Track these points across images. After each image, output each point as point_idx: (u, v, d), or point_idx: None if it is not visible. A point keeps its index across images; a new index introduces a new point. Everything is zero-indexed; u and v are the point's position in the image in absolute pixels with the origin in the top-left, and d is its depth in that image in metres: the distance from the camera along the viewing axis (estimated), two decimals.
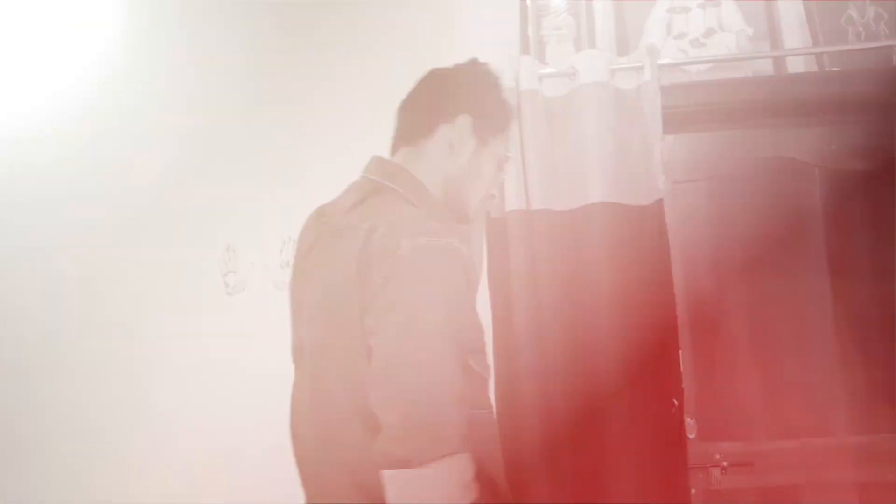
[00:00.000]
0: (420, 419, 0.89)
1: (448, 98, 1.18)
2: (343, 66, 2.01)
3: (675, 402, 1.73)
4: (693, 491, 1.75)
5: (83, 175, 2.01)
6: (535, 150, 1.81)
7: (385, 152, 1.99)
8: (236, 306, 1.95)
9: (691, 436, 1.86)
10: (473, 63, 1.23)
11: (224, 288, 1.96)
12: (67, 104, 2.03)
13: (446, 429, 0.89)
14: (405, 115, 1.24)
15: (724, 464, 1.88)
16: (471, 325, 1.01)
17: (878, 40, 1.89)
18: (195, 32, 2.04)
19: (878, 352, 1.95)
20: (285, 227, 1.97)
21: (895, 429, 1.93)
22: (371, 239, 0.98)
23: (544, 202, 1.81)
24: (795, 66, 1.94)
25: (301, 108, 2.01)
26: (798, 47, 1.95)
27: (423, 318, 0.93)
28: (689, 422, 1.87)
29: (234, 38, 2.04)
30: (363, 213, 1.06)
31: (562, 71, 1.87)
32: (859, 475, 1.90)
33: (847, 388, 1.94)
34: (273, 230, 1.97)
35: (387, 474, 0.88)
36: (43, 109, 2.03)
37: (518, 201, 1.79)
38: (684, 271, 1.97)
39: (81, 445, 1.93)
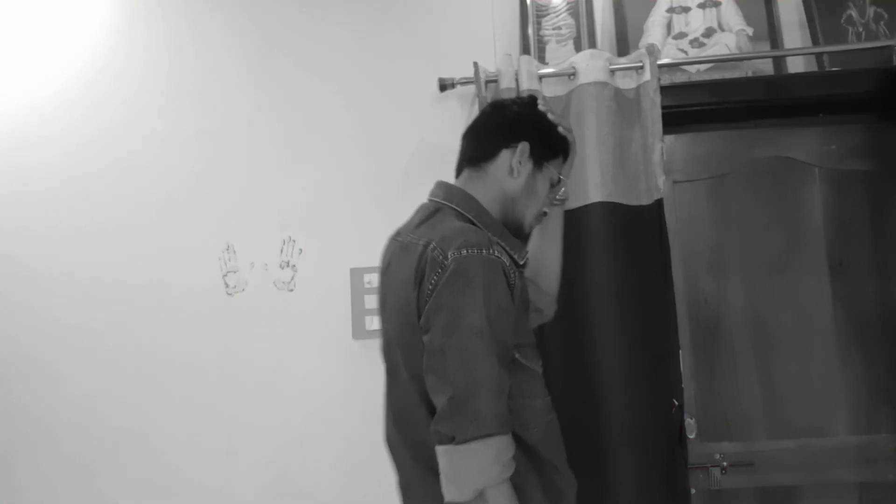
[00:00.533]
0: (461, 404, 1.06)
1: (510, 127, 1.34)
2: (343, 66, 2.01)
3: (675, 403, 1.73)
4: (693, 491, 1.75)
5: (83, 175, 2.01)
6: None
7: (381, 150, 2.01)
8: (236, 306, 1.95)
9: (691, 436, 1.86)
10: (532, 97, 1.43)
11: (224, 288, 1.96)
12: (67, 104, 2.03)
13: (484, 413, 1.06)
14: (470, 141, 1.38)
15: (724, 464, 1.88)
16: (512, 323, 1.15)
17: (878, 40, 1.89)
18: (195, 33, 2.04)
19: (878, 352, 1.95)
20: (285, 227, 1.97)
21: (895, 429, 1.93)
22: (426, 252, 1.17)
23: None
24: (795, 66, 1.94)
25: (301, 108, 2.01)
26: (798, 47, 1.95)
27: (463, 319, 1.10)
28: (690, 422, 1.87)
29: (234, 39, 2.04)
30: (423, 230, 1.24)
31: (562, 71, 1.87)
32: (859, 475, 1.90)
33: (847, 388, 1.94)
34: (273, 230, 1.97)
35: (438, 449, 1.09)
36: (43, 109, 2.03)
37: None
38: (684, 271, 1.97)
39: (81, 445, 1.93)
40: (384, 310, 1.32)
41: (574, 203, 1.83)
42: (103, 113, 2.02)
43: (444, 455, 1.08)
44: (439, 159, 1.96)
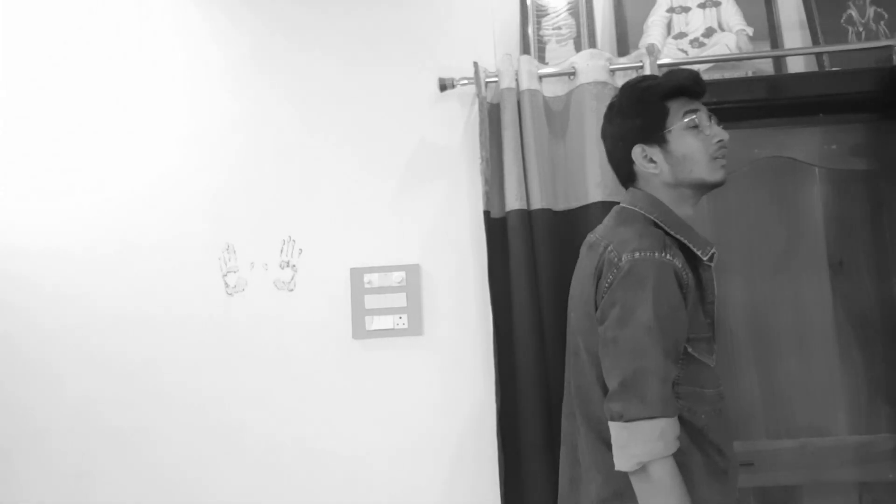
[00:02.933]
0: (630, 388, 1.20)
1: (612, 144, 1.43)
2: (343, 66, 2.01)
3: None
4: None
5: (83, 175, 2.01)
6: (535, 150, 1.81)
7: (382, 150, 2.01)
8: (236, 306, 1.95)
9: None
10: (614, 97, 1.47)
11: (224, 288, 1.96)
12: (66, 104, 2.03)
13: (649, 396, 1.19)
14: (612, 168, 1.46)
15: None
16: (683, 320, 1.25)
17: (878, 40, 1.89)
18: (194, 32, 2.04)
19: (878, 352, 1.95)
20: (285, 227, 1.97)
21: (895, 429, 1.93)
22: (605, 253, 1.30)
23: (544, 202, 1.81)
24: (795, 66, 1.94)
25: (301, 108, 2.01)
26: (798, 47, 1.95)
27: (633, 313, 1.22)
28: None
29: (234, 38, 2.04)
30: (608, 232, 1.36)
31: (562, 71, 1.87)
32: (859, 475, 1.90)
33: (847, 388, 1.95)
34: (273, 230, 1.97)
35: (611, 424, 1.23)
36: (41, 109, 2.04)
37: (518, 201, 1.79)
38: None
39: (81, 445, 1.93)
40: (571, 298, 1.44)
41: (574, 203, 1.84)
42: (102, 113, 2.02)
43: (615, 429, 1.22)
44: (439, 159, 1.97)
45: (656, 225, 1.33)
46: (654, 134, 1.35)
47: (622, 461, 1.21)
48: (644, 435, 1.18)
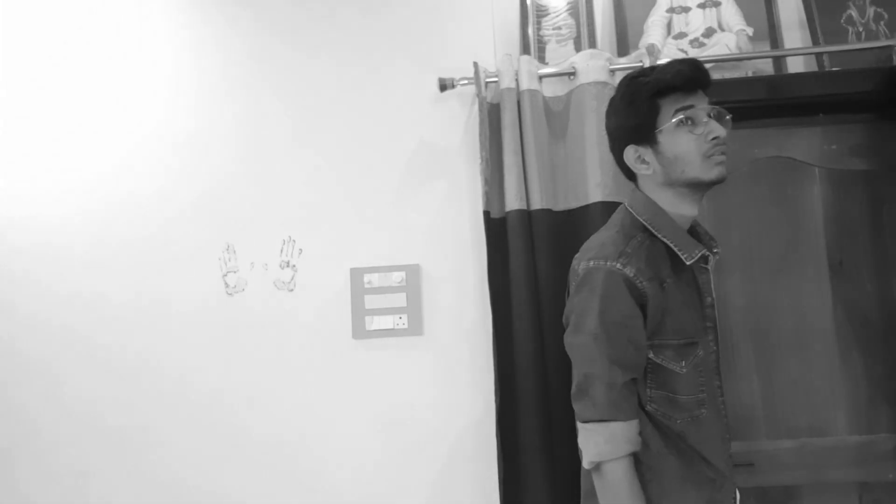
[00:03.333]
0: (582, 391, 1.27)
1: (612, 145, 1.41)
2: (343, 66, 2.01)
3: None
4: None
5: (83, 175, 2.01)
6: (535, 150, 1.81)
7: (382, 150, 2.02)
8: (236, 306, 1.95)
9: None
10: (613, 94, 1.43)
11: (224, 288, 1.96)
12: (66, 104, 2.03)
13: (598, 400, 1.24)
14: (616, 164, 1.45)
15: None
16: (637, 327, 1.25)
17: (878, 40, 1.90)
18: (193, 33, 2.04)
19: (878, 352, 1.95)
20: (285, 227, 1.97)
21: (895, 429, 1.93)
22: (573, 260, 1.38)
23: (544, 202, 1.81)
24: (795, 66, 1.94)
25: (301, 108, 2.01)
26: (798, 47, 1.95)
27: (584, 321, 1.27)
28: None
29: (233, 39, 2.04)
30: (590, 238, 1.39)
31: (562, 71, 1.87)
32: (859, 475, 1.90)
33: (847, 388, 1.95)
34: (273, 230, 1.97)
35: (577, 424, 1.30)
36: (42, 109, 2.04)
37: (518, 201, 1.79)
38: None
39: (80, 445, 1.93)
40: None
41: (574, 203, 1.84)
42: (102, 113, 2.03)
43: (578, 429, 1.30)
44: (439, 159, 1.97)
45: (645, 229, 1.32)
46: (646, 134, 1.31)
47: (583, 459, 1.29)
48: (595, 437, 1.24)
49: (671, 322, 1.27)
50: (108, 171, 2.01)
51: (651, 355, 1.27)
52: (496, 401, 1.76)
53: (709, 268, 1.35)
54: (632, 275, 1.25)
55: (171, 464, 1.91)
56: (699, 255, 1.31)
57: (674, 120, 1.28)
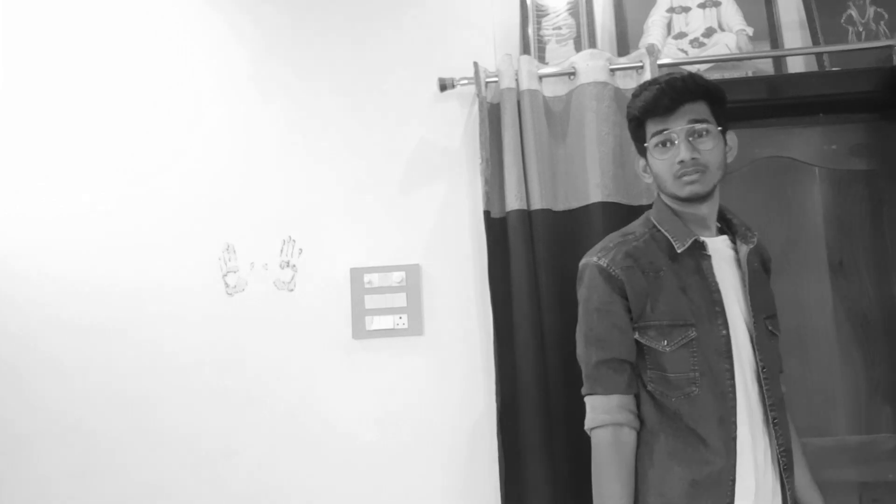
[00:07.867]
0: (582, 370, 1.41)
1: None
2: (343, 65, 2.01)
3: None
4: None
5: (83, 175, 2.01)
6: (535, 150, 1.81)
7: (382, 150, 2.02)
8: (236, 306, 1.95)
9: None
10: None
11: (224, 288, 1.96)
12: (67, 104, 2.03)
13: (588, 379, 1.39)
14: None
15: None
16: (615, 312, 1.38)
17: (878, 40, 1.90)
18: (194, 32, 2.04)
19: (878, 351, 1.95)
20: (285, 227, 1.97)
21: (895, 429, 1.93)
22: None
23: (544, 202, 1.81)
24: (795, 66, 1.94)
25: (301, 108, 2.01)
26: (798, 47, 1.95)
27: (579, 311, 1.44)
28: None
29: (233, 39, 2.04)
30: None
31: (562, 71, 1.87)
32: (859, 475, 1.90)
33: (847, 387, 1.95)
34: (273, 230, 1.97)
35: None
36: (43, 109, 2.04)
37: (518, 201, 1.79)
38: None
39: (80, 444, 1.93)
40: None
41: (574, 203, 1.84)
42: (103, 114, 2.02)
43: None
44: (439, 159, 1.97)
45: (652, 225, 1.44)
46: (641, 150, 1.47)
47: None
48: (587, 408, 1.39)
49: (659, 305, 1.37)
50: (108, 172, 2.00)
51: (636, 336, 1.38)
52: (497, 401, 1.76)
53: (709, 254, 1.39)
54: (605, 265, 1.39)
55: (171, 462, 1.91)
56: (690, 241, 1.38)
57: (651, 141, 1.41)
